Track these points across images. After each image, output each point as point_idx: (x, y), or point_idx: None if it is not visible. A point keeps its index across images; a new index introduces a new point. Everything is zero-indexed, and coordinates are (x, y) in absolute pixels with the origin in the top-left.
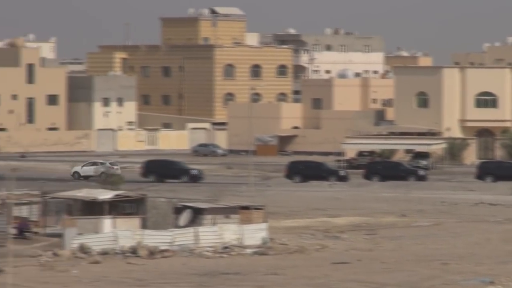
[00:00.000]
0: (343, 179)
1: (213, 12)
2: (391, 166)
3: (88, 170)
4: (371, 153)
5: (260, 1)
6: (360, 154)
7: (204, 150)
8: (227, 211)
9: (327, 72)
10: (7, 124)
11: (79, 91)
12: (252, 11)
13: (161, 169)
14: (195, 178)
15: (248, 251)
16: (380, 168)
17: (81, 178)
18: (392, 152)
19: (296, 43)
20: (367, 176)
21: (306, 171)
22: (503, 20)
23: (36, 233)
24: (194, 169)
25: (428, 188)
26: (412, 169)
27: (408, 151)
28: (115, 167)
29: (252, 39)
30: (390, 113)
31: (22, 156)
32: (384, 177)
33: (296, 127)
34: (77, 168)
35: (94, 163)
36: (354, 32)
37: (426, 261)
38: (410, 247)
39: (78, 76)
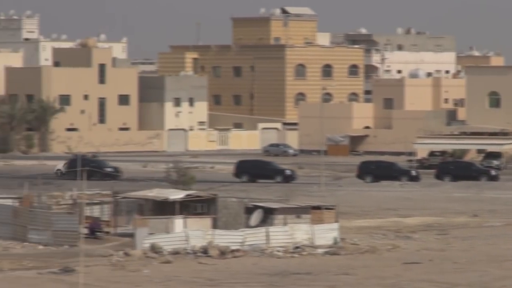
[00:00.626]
0: (414, 179)
1: (284, 12)
2: (463, 166)
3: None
4: (443, 153)
5: (331, 1)
6: (432, 154)
7: (275, 150)
8: (298, 211)
9: (399, 72)
10: (78, 124)
11: (150, 91)
12: (324, 11)
13: (254, 169)
14: (289, 178)
15: (319, 251)
16: (452, 168)
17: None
18: (463, 152)
19: (367, 43)
20: (439, 176)
21: (378, 171)
22: None
23: (107, 233)
24: (288, 169)
25: (500, 188)
26: (484, 169)
27: (480, 151)
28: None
29: (323, 39)
30: (461, 113)
31: (94, 156)
32: (456, 177)
33: (367, 127)
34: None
35: None
36: (425, 32)
37: (498, 261)
38: (482, 247)
39: (150, 76)
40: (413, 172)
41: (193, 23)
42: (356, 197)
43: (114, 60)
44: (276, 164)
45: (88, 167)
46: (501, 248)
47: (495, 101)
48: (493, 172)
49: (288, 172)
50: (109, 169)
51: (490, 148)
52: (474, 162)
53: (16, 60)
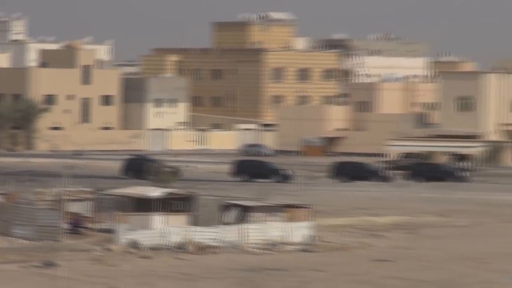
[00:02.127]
0: (386, 179)
1: (263, 17)
2: (433, 167)
3: None
4: (414, 155)
5: (311, 6)
6: (403, 156)
7: (251, 150)
8: (273, 209)
9: (372, 76)
10: (63, 123)
11: (133, 92)
12: (304, 16)
13: (253, 169)
14: (287, 178)
15: (293, 248)
16: (422, 169)
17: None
18: (434, 154)
19: (344, 47)
20: (409, 177)
21: (351, 171)
22: None
23: (89, 228)
24: (286, 169)
25: (469, 189)
26: (453, 170)
27: (449, 154)
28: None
29: (302, 43)
30: (433, 117)
31: (79, 154)
32: (426, 178)
33: (341, 129)
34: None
35: None
36: (400, 38)
37: (464, 260)
38: (450, 246)
39: (132, 77)
40: (385, 173)
41: (176, 27)
42: (330, 197)
43: (98, 61)
44: (274, 165)
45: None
46: (468, 247)
47: (465, 105)
48: (462, 174)
49: (286, 172)
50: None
51: (459, 151)
52: (444, 164)
53: (3, 60)
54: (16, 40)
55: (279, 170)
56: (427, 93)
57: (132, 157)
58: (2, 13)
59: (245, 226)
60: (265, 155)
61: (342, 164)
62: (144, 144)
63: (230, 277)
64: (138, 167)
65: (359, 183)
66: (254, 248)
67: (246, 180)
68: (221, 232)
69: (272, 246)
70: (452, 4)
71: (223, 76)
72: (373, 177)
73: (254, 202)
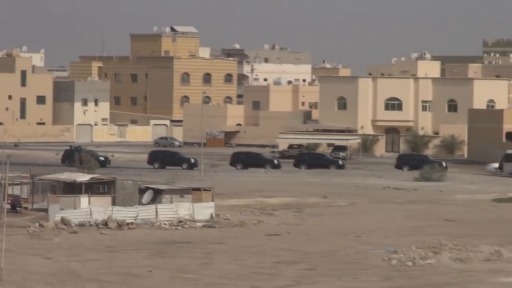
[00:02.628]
0: (276, 167)
1: (173, 30)
2: (316, 156)
3: None
4: (300, 146)
5: (212, 20)
6: (291, 147)
7: (163, 142)
8: (181, 192)
9: (265, 80)
10: (3, 119)
11: (63, 93)
12: (206, 29)
13: (165, 158)
14: (193, 165)
15: (198, 224)
16: (307, 158)
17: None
18: (316, 145)
19: (240, 56)
20: (296, 165)
21: (247, 160)
22: (408, 39)
23: (26, 208)
24: (192, 158)
25: (346, 175)
26: (333, 159)
27: (329, 145)
28: None
29: (205, 52)
30: (315, 114)
31: (16, 145)
32: (310, 166)
33: (239, 124)
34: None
35: None
36: (287, 47)
37: (343, 234)
38: (330, 223)
39: (63, 81)
40: (275, 161)
41: (99, 38)
42: (229, 181)
43: (34, 67)
44: (183, 154)
45: None
46: (345, 223)
47: (342, 104)
48: (340, 162)
49: (192, 160)
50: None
51: (338, 142)
52: (325, 153)
53: None
54: None
55: (187, 159)
56: (311, 94)
57: (69, 148)
58: None
59: (158, 206)
60: (175, 146)
61: (239, 154)
62: (72, 137)
63: (146, 249)
64: (73, 156)
65: (253, 169)
66: (165, 224)
67: (159, 167)
68: (138, 211)
69: (181, 223)
70: (332, 19)
71: (139, 80)
72: (265, 164)
73: (166, 185)
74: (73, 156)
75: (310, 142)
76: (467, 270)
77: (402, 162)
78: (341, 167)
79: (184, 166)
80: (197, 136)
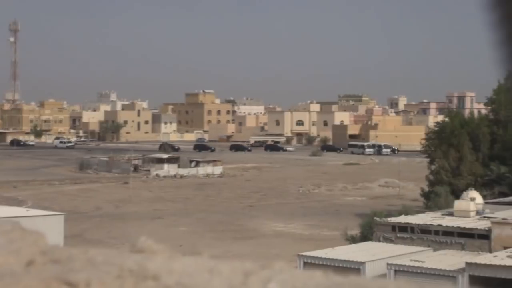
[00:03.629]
0: (249, 151)
1: (204, 91)
2: (273, 146)
3: None
4: (266, 141)
5: (220, 85)
6: (257, 141)
7: (200, 141)
8: (208, 162)
9: (244, 113)
10: (130, 131)
11: (156, 119)
12: (218, 88)
13: (201, 147)
14: (213, 150)
15: (216, 176)
16: (269, 146)
17: None
18: (266, 141)
19: (232, 101)
20: (265, 150)
21: (236, 147)
22: (303, 91)
23: (140, 169)
24: (212, 147)
25: (283, 154)
26: (281, 146)
27: (273, 141)
28: None
29: (217, 100)
30: (267, 127)
31: (136, 142)
32: (271, 150)
33: (233, 132)
34: None
35: None
36: (253, 98)
37: (278, 179)
38: (273, 174)
39: (156, 113)
40: (249, 148)
41: (170, 93)
42: (227, 157)
43: (143, 108)
44: (244, 145)
45: None
46: (279, 175)
47: (277, 123)
48: (284, 148)
49: (249, 148)
50: None
51: (276, 140)
52: (278, 144)
53: None
54: None
55: (211, 147)
56: (264, 119)
57: (162, 143)
58: None
59: (198, 168)
60: (205, 142)
61: (233, 145)
62: (161, 138)
63: (192, 187)
64: (162, 147)
65: (239, 152)
66: (201, 176)
67: (199, 151)
68: (189, 170)
69: (208, 175)
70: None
71: (189, 113)
72: (245, 149)
73: (201, 158)
74: (163, 147)
75: (264, 140)
76: (332, 194)
77: (323, 148)
78: (284, 150)
79: (210, 151)
80: (215, 137)
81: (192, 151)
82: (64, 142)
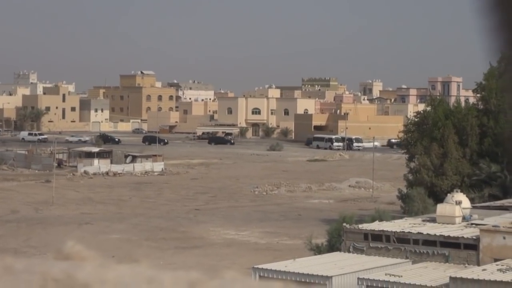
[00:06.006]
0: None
1: (142, 72)
2: (219, 139)
3: None
4: (216, 133)
5: (163, 66)
6: (205, 133)
7: (137, 131)
8: (147, 156)
9: (190, 98)
10: (53, 119)
11: (84, 105)
12: (159, 71)
13: (152, 139)
14: (166, 143)
15: (155, 173)
16: (214, 139)
17: None
18: (217, 132)
19: (177, 85)
20: (209, 142)
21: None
22: (262, 74)
23: (65, 165)
24: (165, 139)
25: (233, 148)
26: (228, 139)
27: (224, 132)
28: None
29: (158, 84)
30: (217, 116)
31: (60, 133)
32: (216, 143)
33: (176, 122)
34: None
35: None
36: (201, 81)
37: (230, 178)
38: (224, 172)
39: (85, 99)
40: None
41: (104, 75)
42: (169, 150)
43: (69, 92)
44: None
45: None
46: (231, 172)
47: (230, 111)
48: (232, 141)
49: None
50: None
51: (228, 131)
52: (223, 136)
53: None
54: None
55: (163, 140)
56: (214, 106)
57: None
58: None
59: (134, 164)
60: (143, 133)
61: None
62: (90, 128)
63: (128, 186)
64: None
65: (182, 144)
66: (134, 174)
67: (148, 144)
68: (124, 167)
69: (146, 173)
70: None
71: (124, 99)
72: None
73: (138, 153)
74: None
75: (214, 131)
76: (294, 196)
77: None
78: (232, 144)
79: (162, 144)
80: (155, 127)
81: (137, 144)
82: None
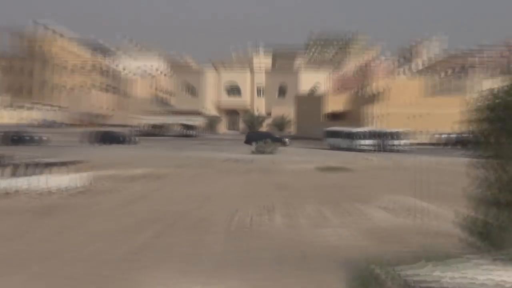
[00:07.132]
0: (132, 142)
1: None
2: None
3: None
4: (158, 125)
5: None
6: (153, 126)
7: (47, 124)
8: (55, 165)
9: (124, 69)
10: None
11: None
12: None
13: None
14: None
15: (74, 191)
16: (155, 132)
17: None
18: (171, 125)
19: (101, 48)
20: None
21: (107, 138)
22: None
23: None
24: (284, 138)
25: (194, 149)
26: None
27: (182, 124)
28: None
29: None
30: (170, 100)
31: None
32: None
33: (107, 108)
34: None
35: None
36: (139, 41)
37: (195, 197)
38: (184, 188)
39: None
40: (133, 138)
41: None
42: (96, 155)
43: None
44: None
45: None
46: (196, 188)
47: (192, 91)
48: (194, 134)
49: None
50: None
51: (188, 122)
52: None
53: None
54: None
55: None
56: (167, 83)
57: None
58: None
59: (33, 177)
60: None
61: (98, 133)
62: None
63: (29, 212)
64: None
65: (115, 145)
66: (40, 193)
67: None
68: (15, 182)
69: (54, 191)
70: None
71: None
72: (124, 141)
73: (49, 159)
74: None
75: (165, 122)
76: (295, 227)
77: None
78: (194, 137)
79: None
80: (74, 118)
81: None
82: None
